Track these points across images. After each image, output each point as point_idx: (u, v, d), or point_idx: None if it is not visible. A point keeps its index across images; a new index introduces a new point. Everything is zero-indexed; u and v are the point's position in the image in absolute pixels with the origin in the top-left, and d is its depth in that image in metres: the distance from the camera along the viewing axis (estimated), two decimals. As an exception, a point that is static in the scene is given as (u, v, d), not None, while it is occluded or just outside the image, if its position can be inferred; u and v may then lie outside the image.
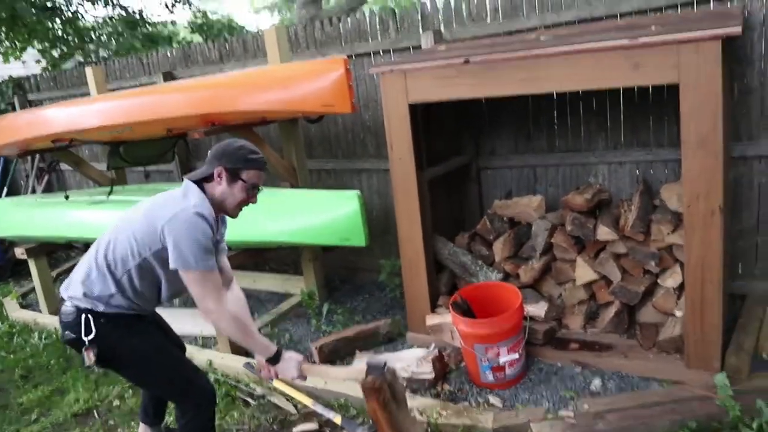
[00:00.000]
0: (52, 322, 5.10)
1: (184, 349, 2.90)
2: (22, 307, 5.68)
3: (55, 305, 5.37)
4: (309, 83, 3.73)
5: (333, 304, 4.58)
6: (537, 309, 3.52)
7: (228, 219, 2.64)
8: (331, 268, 5.09)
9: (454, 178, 4.35)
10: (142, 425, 2.99)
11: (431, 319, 3.71)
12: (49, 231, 5.01)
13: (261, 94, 3.84)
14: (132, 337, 2.49)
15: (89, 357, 2.43)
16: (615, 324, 3.51)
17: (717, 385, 2.77)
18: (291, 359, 2.52)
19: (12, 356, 4.68)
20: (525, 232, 3.96)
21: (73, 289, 2.47)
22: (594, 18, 3.75)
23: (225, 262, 2.70)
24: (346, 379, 2.69)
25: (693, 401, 2.86)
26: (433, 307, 3.83)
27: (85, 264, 2.50)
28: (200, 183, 2.44)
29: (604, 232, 3.54)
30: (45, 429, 3.60)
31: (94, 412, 3.72)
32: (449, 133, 4.29)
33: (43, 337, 4.88)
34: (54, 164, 7.67)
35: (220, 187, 2.40)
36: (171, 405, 3.06)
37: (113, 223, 2.52)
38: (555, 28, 3.82)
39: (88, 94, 6.04)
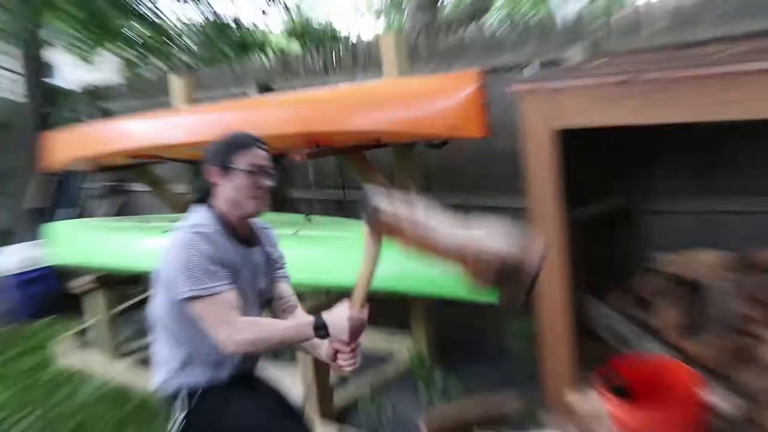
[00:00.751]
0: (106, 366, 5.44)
1: (297, 415, 2.94)
2: (78, 346, 6.02)
3: (114, 346, 5.70)
4: (433, 101, 3.82)
5: (446, 370, 4.57)
6: (721, 399, 3.37)
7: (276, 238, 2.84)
8: (446, 326, 5.10)
9: (605, 223, 4.30)
10: None
11: (574, 399, 3.64)
12: (121, 260, 5.24)
13: (376, 113, 3.98)
14: (227, 414, 2.61)
15: None
16: (829, 427, 3.31)
17: None
18: (337, 318, 2.42)
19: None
20: (700, 296, 3.82)
21: (155, 377, 2.70)
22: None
23: (285, 288, 2.84)
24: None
25: None
26: (576, 383, 3.76)
27: (153, 345, 2.72)
28: (208, 202, 2.57)
29: (813, 303, 3.37)
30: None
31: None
32: (600, 167, 4.25)
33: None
34: (125, 184, 8.21)
35: (222, 189, 2.52)
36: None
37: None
38: (742, 41, 3.74)
39: (168, 104, 6.38)
